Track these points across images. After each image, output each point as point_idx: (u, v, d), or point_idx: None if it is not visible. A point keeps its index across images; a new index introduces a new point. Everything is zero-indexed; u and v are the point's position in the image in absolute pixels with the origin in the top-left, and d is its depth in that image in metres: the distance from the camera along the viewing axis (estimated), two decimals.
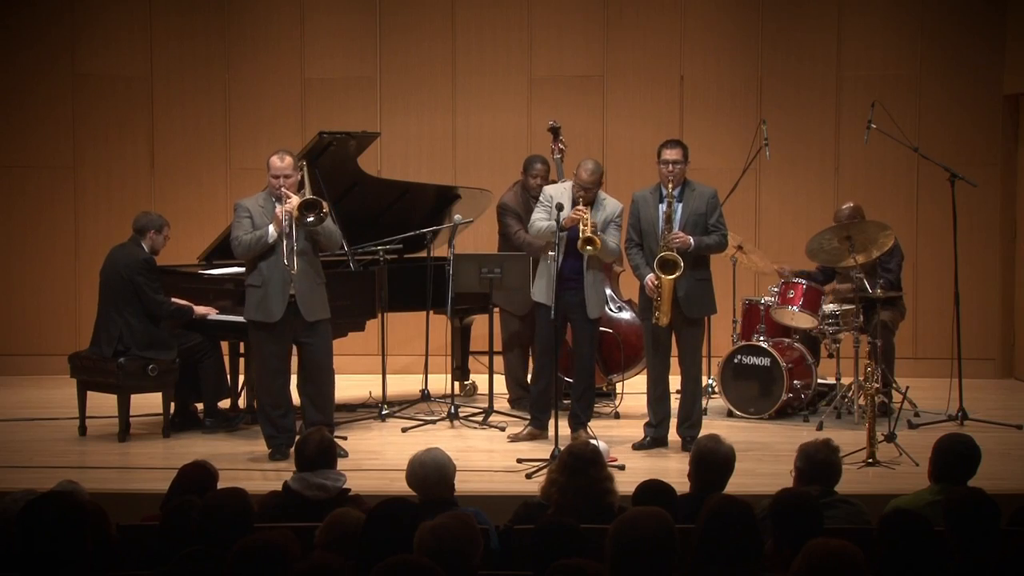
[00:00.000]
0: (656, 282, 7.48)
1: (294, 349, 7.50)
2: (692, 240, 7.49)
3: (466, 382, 9.60)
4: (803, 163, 10.67)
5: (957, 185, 8.54)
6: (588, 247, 7.45)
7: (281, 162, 7.34)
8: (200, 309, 8.15)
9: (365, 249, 8.62)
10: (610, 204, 7.74)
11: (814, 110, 10.65)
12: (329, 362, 7.48)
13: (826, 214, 9.35)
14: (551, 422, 7.51)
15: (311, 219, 7.20)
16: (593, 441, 5.60)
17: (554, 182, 8.44)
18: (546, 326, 7.74)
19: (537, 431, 7.90)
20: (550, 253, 7.62)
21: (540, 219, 7.70)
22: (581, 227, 7.46)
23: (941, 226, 9.42)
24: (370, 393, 9.09)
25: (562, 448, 5.57)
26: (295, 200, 7.23)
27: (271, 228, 7.25)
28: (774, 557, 4.08)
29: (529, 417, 8.03)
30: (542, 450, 7.37)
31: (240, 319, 7.62)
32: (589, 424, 7.86)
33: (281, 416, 7.42)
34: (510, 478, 6.96)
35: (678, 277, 7.43)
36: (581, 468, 4.93)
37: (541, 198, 7.83)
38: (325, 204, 7.26)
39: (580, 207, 7.54)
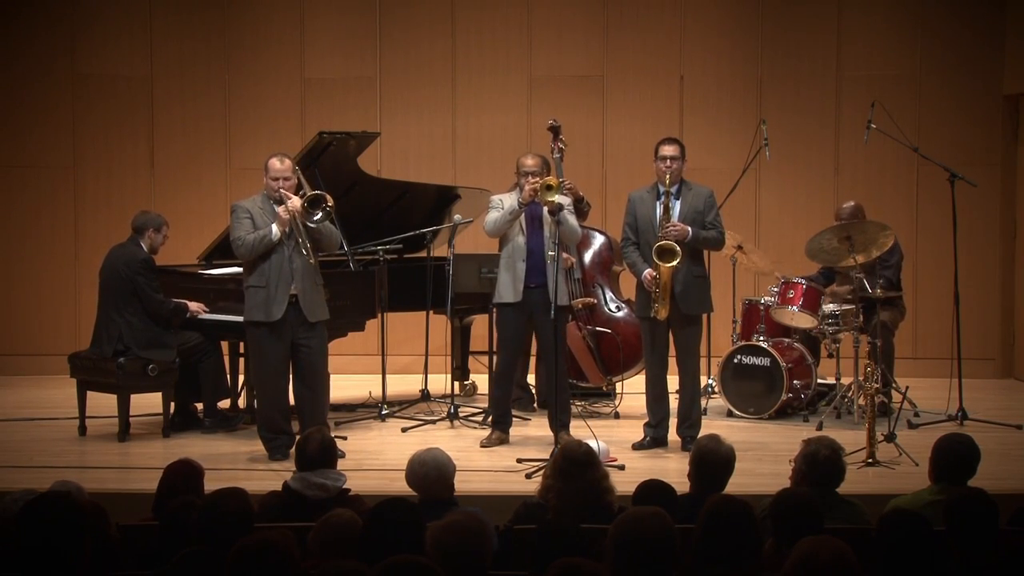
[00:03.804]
0: (654, 273, 7.47)
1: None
2: (690, 230, 7.50)
3: (466, 382, 9.59)
4: (803, 163, 10.67)
5: (957, 185, 8.54)
6: (549, 191, 7.37)
7: (281, 164, 7.34)
8: (193, 306, 8.16)
9: (365, 249, 8.62)
10: (563, 199, 7.68)
11: (814, 110, 10.65)
12: (324, 365, 7.48)
13: (826, 214, 9.36)
14: (547, 420, 7.51)
15: (318, 215, 7.19)
16: (592, 441, 5.58)
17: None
18: (513, 328, 7.75)
19: (504, 435, 7.87)
20: (518, 238, 7.64)
21: (493, 214, 7.72)
22: (539, 192, 7.46)
23: (941, 226, 9.42)
24: (370, 393, 9.09)
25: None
26: (296, 199, 7.22)
27: (275, 227, 7.24)
28: (774, 557, 4.08)
29: (503, 418, 7.92)
30: (542, 450, 7.37)
31: (239, 319, 7.61)
32: (588, 424, 7.82)
33: (281, 417, 7.42)
34: (510, 478, 6.96)
35: (676, 266, 7.43)
36: (577, 472, 4.91)
37: (491, 204, 7.82)
38: (329, 198, 7.25)
39: (532, 179, 7.55)
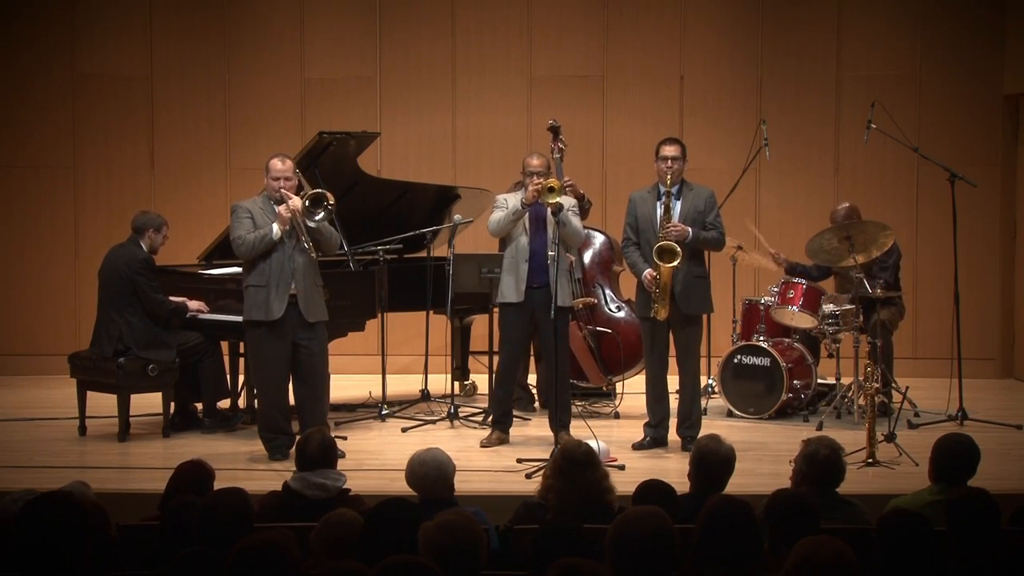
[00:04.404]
0: (655, 273, 7.48)
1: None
2: (690, 231, 7.50)
3: (466, 382, 9.59)
4: (803, 163, 10.67)
5: (957, 185, 8.54)
6: (551, 192, 7.37)
7: (282, 164, 7.35)
8: (193, 305, 8.16)
9: (365, 249, 8.62)
10: (567, 200, 7.70)
11: (814, 110, 10.65)
12: (325, 366, 7.48)
13: (826, 214, 9.33)
14: (547, 420, 7.50)
15: (320, 215, 7.19)
16: (592, 441, 5.57)
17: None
18: (516, 328, 7.75)
19: (504, 435, 7.86)
20: (521, 238, 7.65)
21: (498, 214, 7.73)
22: (541, 193, 7.46)
23: (941, 226, 9.42)
24: (370, 393, 9.09)
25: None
26: (297, 198, 7.23)
27: (275, 226, 7.24)
28: (770, 557, 4.07)
29: (503, 418, 7.91)
30: (542, 450, 7.37)
31: (239, 319, 7.61)
32: (588, 424, 7.81)
33: (281, 417, 7.42)
34: (510, 478, 6.96)
35: (676, 267, 7.43)
36: (577, 472, 4.91)
37: (495, 204, 7.84)
38: (331, 196, 7.26)
39: (535, 180, 7.56)
